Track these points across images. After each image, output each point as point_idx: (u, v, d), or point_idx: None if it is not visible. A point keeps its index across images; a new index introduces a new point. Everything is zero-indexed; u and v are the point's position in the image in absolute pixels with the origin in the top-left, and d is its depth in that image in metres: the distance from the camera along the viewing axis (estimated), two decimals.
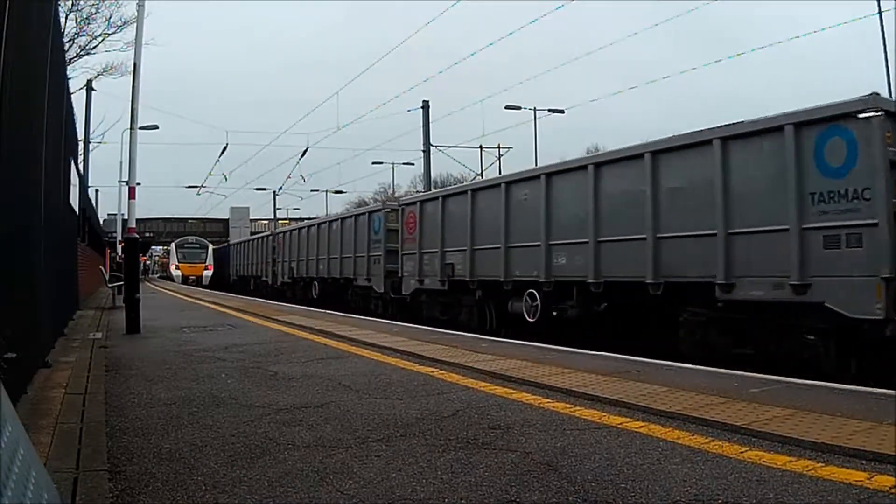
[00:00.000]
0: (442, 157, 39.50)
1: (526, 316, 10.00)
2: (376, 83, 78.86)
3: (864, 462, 2.94)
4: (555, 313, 9.53)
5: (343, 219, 18.53)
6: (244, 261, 32.71)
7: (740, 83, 77.07)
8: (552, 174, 9.71)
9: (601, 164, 8.82)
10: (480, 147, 31.86)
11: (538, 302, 9.82)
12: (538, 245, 9.68)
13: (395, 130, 76.41)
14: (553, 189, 9.63)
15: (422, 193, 13.77)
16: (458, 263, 11.79)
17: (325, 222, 20.38)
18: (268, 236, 28.30)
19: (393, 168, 43.20)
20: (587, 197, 8.83)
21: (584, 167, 9.02)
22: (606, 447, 3.27)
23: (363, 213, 17.01)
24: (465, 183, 13.17)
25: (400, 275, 13.99)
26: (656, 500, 2.54)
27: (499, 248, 10.55)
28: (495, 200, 10.80)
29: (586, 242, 8.80)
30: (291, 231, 24.06)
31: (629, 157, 8.39)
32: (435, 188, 25.19)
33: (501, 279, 10.46)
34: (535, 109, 29.16)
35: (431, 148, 25.57)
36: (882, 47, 16.05)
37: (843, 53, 68.89)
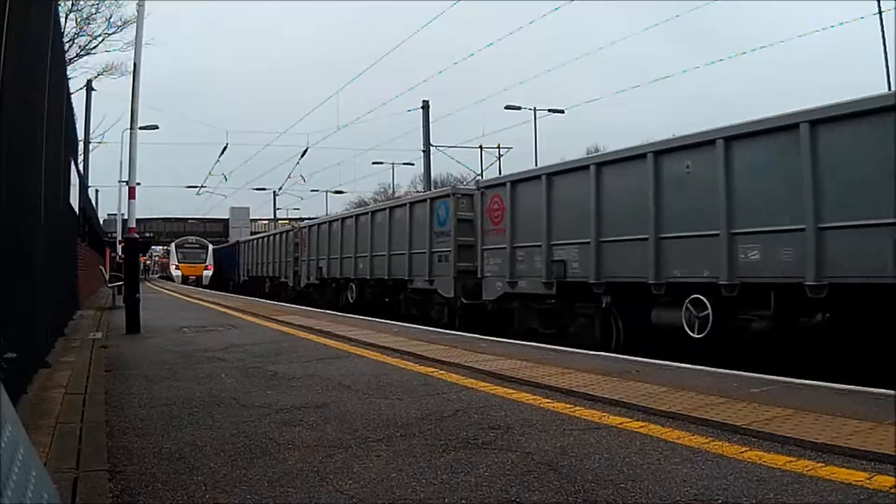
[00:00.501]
0: (442, 157, 39.57)
1: (687, 330, 7.48)
2: (376, 83, 78.92)
3: (864, 462, 2.94)
4: (734, 327, 7.15)
5: (393, 208, 15.11)
6: (257, 260, 29.28)
7: (740, 83, 77.11)
8: (733, 138, 7.15)
9: (820, 123, 6.36)
10: (480, 147, 31.91)
11: (709, 311, 7.28)
12: (715, 234, 7.15)
13: (395, 130, 76.47)
14: (735, 158, 7.10)
15: (513, 173, 10.87)
16: (574, 260, 9.04)
17: (366, 213, 16.80)
18: (288, 231, 24.69)
19: (393, 168, 43.27)
20: (798, 167, 6.40)
21: (792, 127, 6.55)
22: (606, 447, 3.28)
23: (422, 201, 13.74)
24: (584, 156, 9.88)
25: (480, 275, 11.12)
26: (656, 500, 2.54)
27: (645, 239, 7.93)
28: (636, 176, 8.15)
29: (800, 230, 6.37)
30: (320, 225, 20.42)
31: (870, 112, 5.99)
32: (435, 188, 25.09)
33: (650, 281, 7.81)
34: (535, 109, 29.27)
35: (431, 148, 25.62)
36: (882, 47, 16.07)
37: (844, 53, 68.89)
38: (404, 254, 14.03)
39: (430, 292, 13.04)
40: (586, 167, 9.04)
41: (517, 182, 10.50)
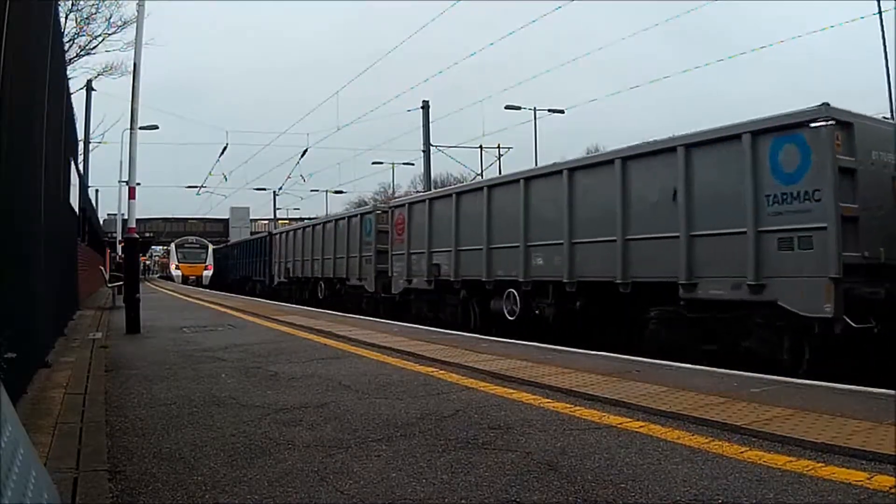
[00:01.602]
0: (442, 157, 39.48)
1: None
2: (376, 83, 79.00)
3: (864, 462, 2.94)
4: None
5: (628, 158, 8.44)
6: (305, 256, 21.81)
7: (740, 83, 77.09)
8: None
9: None
10: (480, 147, 31.90)
11: None
12: None
13: (395, 130, 76.53)
14: None
15: None
16: None
17: (554, 172, 9.75)
18: (366, 214, 17.48)
19: (393, 168, 43.21)
20: None
21: None
22: (606, 447, 3.27)
23: (732, 137, 7.09)
24: None
25: None
26: (656, 500, 2.54)
27: None
28: None
29: None
30: (434, 199, 13.17)
31: None
32: (435, 188, 24.94)
33: None
34: (535, 109, 29.20)
35: (431, 148, 25.61)
36: (882, 47, 16.06)
37: (844, 53, 68.92)
38: (675, 238, 7.59)
39: (745, 307, 6.91)
40: None
41: None
